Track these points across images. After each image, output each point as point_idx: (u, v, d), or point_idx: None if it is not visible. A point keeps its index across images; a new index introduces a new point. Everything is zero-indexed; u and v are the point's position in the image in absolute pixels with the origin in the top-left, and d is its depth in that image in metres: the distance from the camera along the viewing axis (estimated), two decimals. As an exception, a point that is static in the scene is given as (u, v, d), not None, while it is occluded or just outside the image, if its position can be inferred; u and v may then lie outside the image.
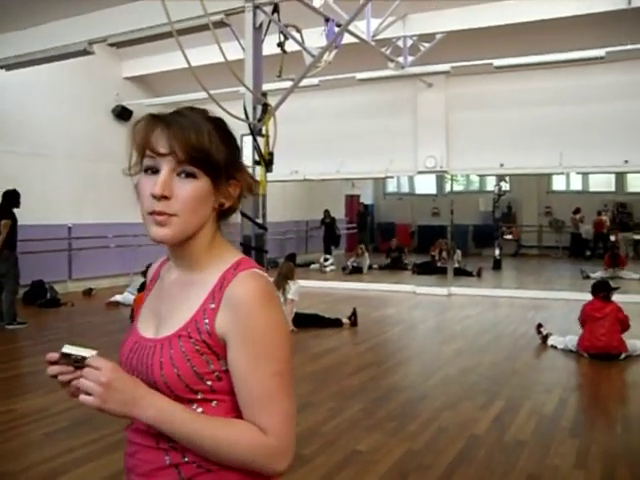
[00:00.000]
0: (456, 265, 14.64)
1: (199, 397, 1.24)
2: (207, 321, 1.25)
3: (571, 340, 7.33)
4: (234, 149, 1.32)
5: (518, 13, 9.60)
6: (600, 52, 10.19)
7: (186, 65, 5.52)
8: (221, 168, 1.27)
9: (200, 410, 1.24)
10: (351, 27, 8.72)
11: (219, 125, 1.30)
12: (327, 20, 7.51)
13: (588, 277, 13.58)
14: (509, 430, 4.73)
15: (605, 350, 6.92)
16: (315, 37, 7.82)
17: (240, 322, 1.22)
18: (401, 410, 5.25)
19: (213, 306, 1.25)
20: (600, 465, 4.08)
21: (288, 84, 7.34)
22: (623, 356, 6.93)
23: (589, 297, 7.53)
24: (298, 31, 6.99)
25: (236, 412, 1.25)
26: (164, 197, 1.22)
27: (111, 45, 8.96)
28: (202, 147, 1.23)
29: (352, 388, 5.90)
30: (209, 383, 1.24)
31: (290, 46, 7.04)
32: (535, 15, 9.51)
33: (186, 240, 1.29)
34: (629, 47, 9.55)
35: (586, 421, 5.10)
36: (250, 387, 1.23)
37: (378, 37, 9.96)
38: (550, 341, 7.63)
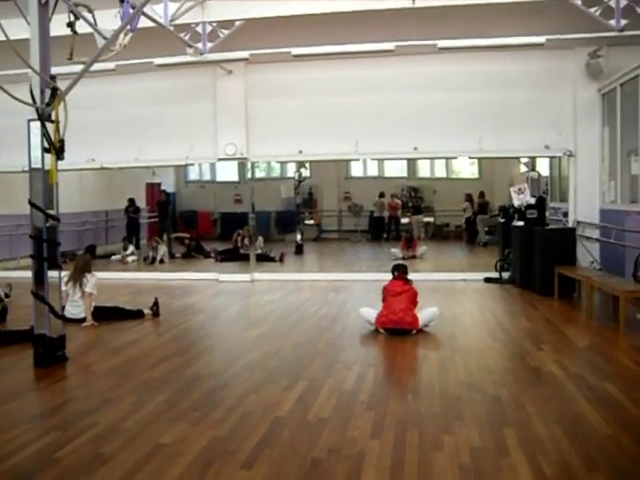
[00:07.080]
0: (259, 251, 14.86)
1: None
2: None
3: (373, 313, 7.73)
4: None
5: (316, 4, 9.89)
6: (390, 45, 10.85)
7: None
8: None
9: None
10: (148, 10, 8.46)
11: None
12: (122, 1, 7.19)
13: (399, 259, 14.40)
14: (312, 409, 4.91)
15: (399, 325, 7.43)
16: (110, 19, 7.49)
17: None
18: (205, 399, 5.24)
19: None
20: (393, 432, 4.38)
21: (81, 67, 6.95)
22: (414, 332, 7.49)
23: (386, 277, 8.04)
24: (90, 11, 6.61)
25: None
26: None
27: None
28: None
29: (154, 380, 5.78)
30: None
31: (83, 27, 6.65)
32: (331, 7, 9.85)
33: None
34: (415, 42, 10.27)
35: (381, 393, 5.43)
36: None
37: (176, 22, 9.78)
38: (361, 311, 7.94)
